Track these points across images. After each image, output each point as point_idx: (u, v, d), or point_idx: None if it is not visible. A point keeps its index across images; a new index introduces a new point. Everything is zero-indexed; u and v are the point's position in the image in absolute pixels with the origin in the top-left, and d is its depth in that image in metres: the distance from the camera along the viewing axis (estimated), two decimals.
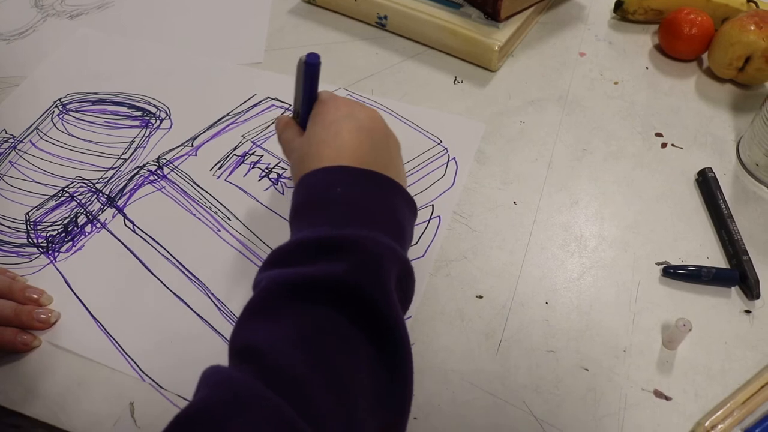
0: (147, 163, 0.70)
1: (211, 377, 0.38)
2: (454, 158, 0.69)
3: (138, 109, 0.75)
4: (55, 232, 0.64)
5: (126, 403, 0.54)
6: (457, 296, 0.60)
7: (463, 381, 0.55)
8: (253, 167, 0.69)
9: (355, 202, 0.46)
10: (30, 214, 0.66)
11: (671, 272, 0.61)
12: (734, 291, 0.60)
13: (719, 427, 0.52)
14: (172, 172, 0.68)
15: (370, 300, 0.41)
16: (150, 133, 0.72)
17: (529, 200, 0.67)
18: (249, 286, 0.59)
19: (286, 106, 0.75)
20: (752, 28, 0.73)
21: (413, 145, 0.70)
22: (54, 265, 0.61)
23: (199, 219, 0.64)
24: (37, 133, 0.73)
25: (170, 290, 0.59)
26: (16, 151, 0.71)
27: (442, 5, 0.80)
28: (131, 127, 0.73)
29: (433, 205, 0.65)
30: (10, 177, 0.69)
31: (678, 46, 0.79)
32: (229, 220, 0.64)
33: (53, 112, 0.75)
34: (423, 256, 0.61)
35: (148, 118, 0.74)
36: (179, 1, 0.90)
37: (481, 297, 0.60)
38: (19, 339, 0.56)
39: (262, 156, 0.70)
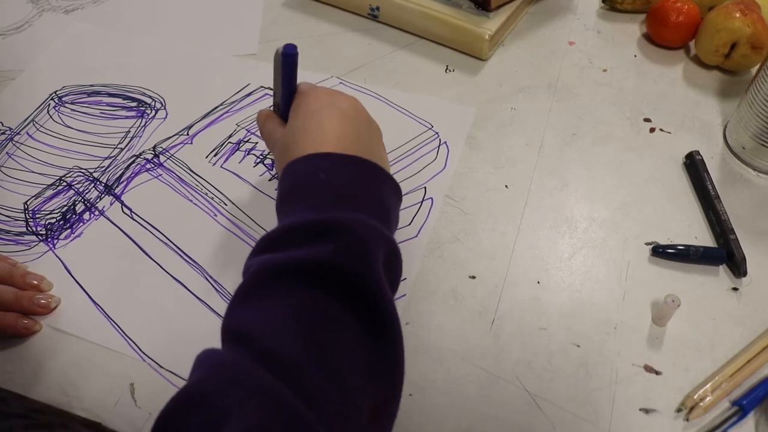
0: (143, 151, 0.70)
1: (205, 359, 0.39)
2: (446, 142, 0.70)
3: (133, 100, 0.76)
4: (54, 220, 0.65)
5: (126, 384, 0.55)
6: (450, 277, 0.61)
7: (457, 358, 0.56)
8: (248, 154, 0.70)
9: (340, 186, 0.47)
10: (28, 203, 0.66)
11: (660, 251, 0.62)
12: (722, 269, 0.62)
13: (708, 399, 0.53)
14: (168, 160, 0.69)
15: (359, 280, 0.41)
16: (146, 122, 0.73)
17: (521, 184, 0.68)
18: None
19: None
20: (737, 15, 0.74)
21: (405, 131, 0.71)
22: (53, 252, 0.62)
23: (196, 204, 0.65)
24: (34, 125, 0.74)
25: (168, 273, 0.60)
26: (13, 142, 0.72)
27: None
28: (127, 117, 0.74)
29: (425, 188, 0.66)
30: (7, 168, 0.70)
31: (665, 33, 0.81)
32: (225, 205, 0.65)
33: (49, 104, 0.76)
34: (417, 236, 0.63)
35: (143, 108, 0.75)
36: None
37: (474, 277, 0.61)
38: (21, 324, 0.56)
39: (256, 143, 0.71)
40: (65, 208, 0.66)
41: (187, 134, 0.72)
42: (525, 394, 0.54)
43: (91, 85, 0.78)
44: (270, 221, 0.64)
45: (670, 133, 0.73)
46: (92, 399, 0.54)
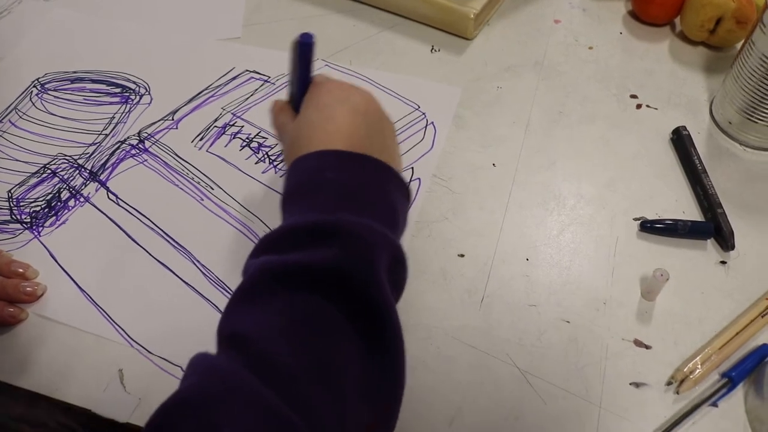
0: (128, 137, 0.70)
1: (198, 365, 0.38)
2: (432, 122, 0.70)
3: (117, 86, 0.75)
4: (39, 208, 0.64)
5: (115, 370, 0.54)
6: (439, 255, 0.61)
7: (447, 337, 0.56)
8: (233, 137, 0.69)
9: (346, 186, 0.45)
10: (12, 191, 0.66)
11: (648, 227, 0.62)
12: (710, 243, 0.62)
13: (697, 371, 0.53)
14: (153, 146, 0.69)
15: (361, 287, 0.40)
16: (130, 108, 0.73)
17: (508, 162, 0.68)
18: (232, 251, 0.60)
19: (265, 77, 0.75)
20: None
21: (392, 112, 0.69)
22: (38, 239, 0.62)
23: (182, 189, 0.65)
24: (17, 112, 0.73)
25: (155, 258, 0.60)
26: None
27: None
28: (111, 103, 0.73)
29: (413, 168, 0.66)
30: None
31: (651, 10, 0.80)
32: (212, 189, 0.65)
33: (32, 91, 0.75)
34: None
35: (127, 94, 0.74)
36: None
37: (462, 255, 0.61)
38: (6, 312, 0.56)
39: (242, 127, 0.70)
40: (50, 195, 0.65)
41: (172, 119, 0.71)
42: (515, 370, 0.54)
43: (74, 72, 0.77)
44: (257, 204, 0.64)
45: (656, 109, 0.73)
46: (80, 386, 0.54)
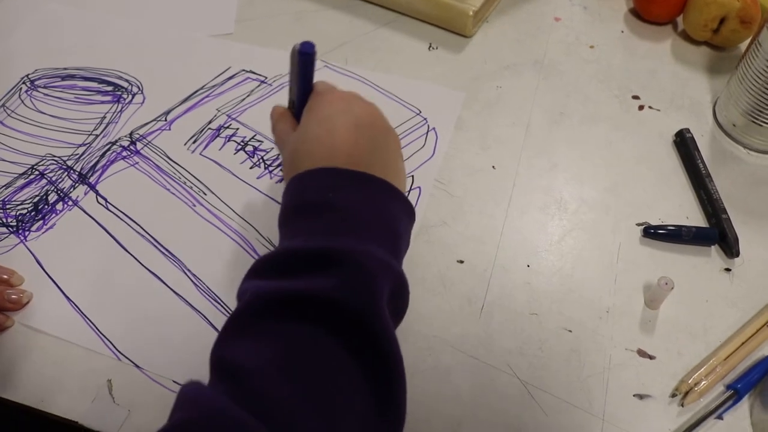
0: (119, 138, 0.68)
1: (191, 398, 0.36)
2: (434, 128, 0.68)
3: (109, 84, 0.73)
4: (25, 211, 0.62)
5: (103, 381, 0.53)
6: (438, 262, 0.59)
7: (447, 346, 0.55)
8: (228, 140, 0.67)
9: (348, 209, 0.43)
10: None
11: (651, 232, 0.61)
12: (714, 249, 0.60)
13: (702, 383, 0.52)
14: (145, 148, 0.67)
15: (360, 318, 0.38)
16: (122, 108, 0.71)
17: (508, 164, 0.66)
18: (225, 261, 0.59)
19: (262, 78, 0.73)
20: None
21: (392, 116, 0.67)
22: (24, 244, 0.60)
23: (174, 194, 0.63)
24: (5, 110, 0.71)
25: (145, 267, 0.58)
26: None
27: None
28: (102, 102, 0.71)
29: (413, 176, 0.64)
30: None
31: (653, 8, 0.79)
32: (205, 194, 0.63)
33: (21, 88, 0.73)
34: None
35: (119, 93, 0.72)
36: None
37: (462, 262, 0.60)
38: None
39: (237, 129, 0.68)
40: (37, 198, 0.63)
41: (165, 120, 0.69)
42: (517, 382, 0.53)
43: (65, 68, 0.75)
44: (252, 211, 0.62)
45: (659, 110, 0.71)
46: (67, 397, 0.52)
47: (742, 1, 0.71)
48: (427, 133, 0.68)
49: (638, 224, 0.62)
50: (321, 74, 0.73)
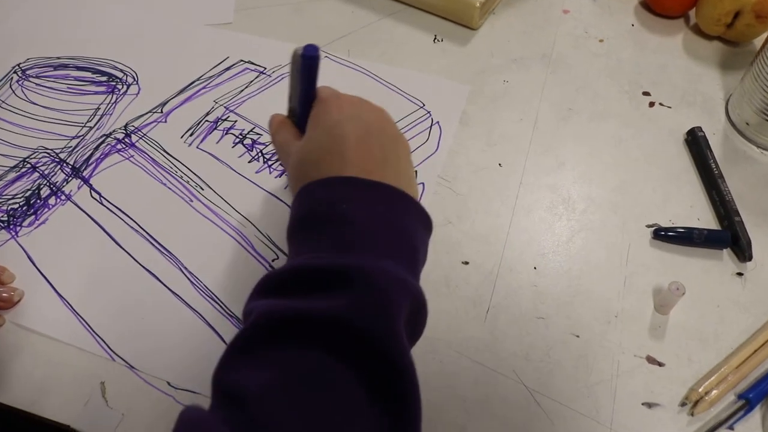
0: (114, 131, 0.66)
1: (190, 425, 0.34)
2: (438, 122, 0.66)
3: (103, 74, 0.71)
4: (17, 206, 0.60)
5: (97, 383, 0.51)
6: (442, 263, 0.58)
7: (451, 350, 0.53)
8: (226, 133, 0.65)
9: (362, 222, 0.40)
10: None
11: (662, 234, 0.59)
12: (726, 253, 0.59)
13: (713, 392, 0.51)
14: (140, 140, 0.65)
15: (376, 343, 0.36)
16: (116, 99, 0.68)
17: (515, 162, 0.65)
18: (223, 259, 0.57)
19: (261, 69, 0.71)
20: None
21: (394, 109, 0.65)
22: (16, 240, 0.58)
23: (170, 189, 0.61)
24: None
25: (140, 264, 0.56)
26: None
27: None
28: (96, 93, 0.69)
29: (416, 172, 0.62)
30: None
31: (665, 1, 0.77)
32: (202, 189, 0.61)
33: (12, 78, 0.70)
34: None
35: (114, 83, 0.70)
36: None
37: (467, 263, 0.58)
38: None
39: (235, 122, 0.66)
40: (29, 192, 0.61)
41: (161, 112, 0.67)
42: (522, 388, 0.52)
43: (58, 58, 0.73)
44: (250, 208, 0.60)
45: (670, 107, 0.69)
46: (59, 400, 0.51)
47: None
48: (430, 127, 0.66)
49: (648, 226, 0.60)
50: (321, 65, 0.71)
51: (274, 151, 0.64)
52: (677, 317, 0.55)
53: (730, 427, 0.50)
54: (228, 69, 0.71)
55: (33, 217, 0.59)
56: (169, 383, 0.51)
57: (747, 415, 0.50)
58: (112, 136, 0.65)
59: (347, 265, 0.38)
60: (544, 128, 0.67)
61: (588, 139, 0.66)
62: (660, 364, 0.53)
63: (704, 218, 0.61)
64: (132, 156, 0.63)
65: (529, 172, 0.64)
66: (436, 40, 0.76)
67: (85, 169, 0.63)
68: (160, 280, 0.55)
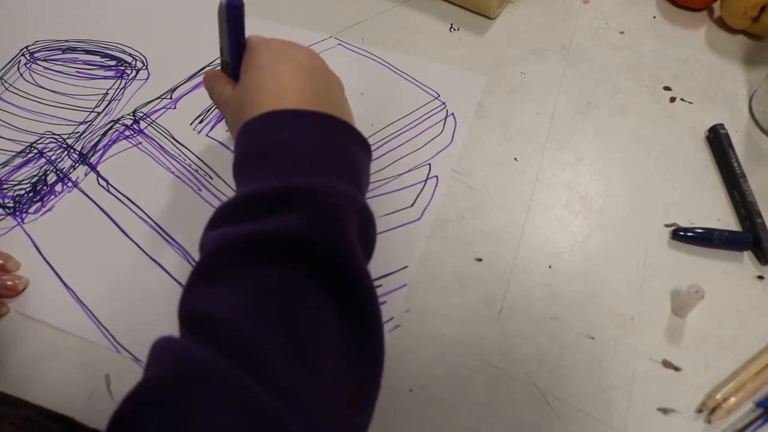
0: (122, 116, 0.65)
1: (164, 350, 0.34)
2: (453, 114, 0.65)
3: (112, 58, 0.70)
4: (23, 192, 0.59)
5: (101, 375, 0.51)
6: (455, 259, 0.56)
7: (462, 350, 0.52)
8: None
9: (304, 147, 0.42)
10: None
11: (681, 235, 0.57)
12: (746, 255, 0.57)
13: (731, 400, 0.49)
14: (149, 127, 0.64)
15: (331, 254, 0.37)
16: (125, 84, 0.67)
17: (531, 157, 0.63)
18: None
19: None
20: None
21: (408, 100, 0.65)
22: (21, 227, 0.57)
23: (179, 177, 0.60)
24: (2, 83, 0.68)
25: (147, 255, 0.55)
26: None
27: None
28: (105, 77, 0.68)
29: (430, 164, 0.61)
30: None
31: None
32: (211, 178, 0.60)
33: (20, 60, 0.69)
34: (419, 219, 0.58)
35: (123, 68, 0.69)
36: None
37: (480, 260, 0.57)
38: None
39: None
40: (35, 178, 0.60)
41: (171, 98, 0.66)
42: (535, 391, 0.50)
43: (66, 41, 0.71)
44: None
45: (691, 103, 0.67)
46: (64, 391, 0.50)
47: None
48: (445, 118, 0.65)
49: (667, 225, 0.59)
50: (335, 52, 0.70)
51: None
52: (695, 321, 0.54)
53: None
54: None
55: (39, 203, 0.59)
56: None
57: (766, 424, 0.49)
58: (121, 122, 0.64)
59: (295, 186, 0.39)
60: (562, 122, 0.66)
61: (606, 134, 0.65)
62: (676, 369, 0.51)
63: (725, 219, 0.59)
64: (140, 143, 0.62)
65: (545, 168, 0.62)
66: (452, 29, 0.74)
67: (92, 155, 0.62)
68: (167, 271, 0.55)
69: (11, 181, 0.60)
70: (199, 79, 0.67)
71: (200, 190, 0.59)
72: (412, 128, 0.63)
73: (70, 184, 0.60)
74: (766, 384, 0.51)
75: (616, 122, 0.66)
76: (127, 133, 0.63)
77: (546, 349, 0.52)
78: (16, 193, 0.59)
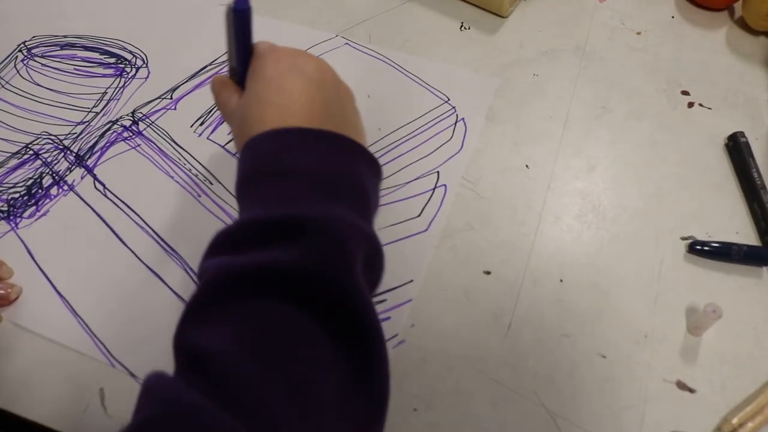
0: (120, 117, 0.63)
1: (155, 391, 0.33)
2: (463, 119, 0.62)
3: (111, 55, 0.68)
4: (18, 195, 0.58)
5: (96, 389, 0.49)
6: (462, 272, 0.55)
7: (469, 368, 0.50)
8: None
9: (309, 170, 0.40)
10: None
11: (698, 249, 0.55)
12: (766, 271, 0.55)
13: (749, 425, 0.47)
14: (148, 128, 0.62)
15: (336, 290, 0.35)
16: (124, 83, 0.65)
17: (543, 163, 0.61)
18: None
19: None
20: None
21: (417, 103, 0.63)
22: (15, 232, 0.56)
23: (178, 182, 0.58)
24: None
25: (144, 264, 0.54)
26: None
27: None
28: (104, 75, 0.66)
29: (438, 172, 0.59)
30: None
31: None
32: (212, 184, 0.58)
33: (17, 57, 0.68)
34: (426, 230, 0.56)
35: (122, 65, 0.67)
36: None
37: (489, 273, 0.55)
38: None
39: None
40: (31, 180, 0.59)
41: (171, 98, 0.64)
42: (543, 411, 0.49)
43: (65, 36, 0.69)
44: None
45: (710, 109, 0.65)
46: (57, 406, 0.49)
47: None
48: (455, 123, 0.62)
49: (683, 238, 0.56)
50: (341, 51, 0.68)
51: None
52: (711, 339, 0.52)
53: None
54: None
55: (34, 207, 0.57)
56: None
57: None
58: (119, 123, 0.62)
59: (297, 215, 0.37)
60: (576, 127, 0.63)
61: (622, 140, 0.62)
62: (691, 391, 0.50)
63: (744, 232, 0.57)
64: (139, 145, 0.60)
65: (557, 176, 0.60)
66: (462, 28, 0.71)
67: (89, 157, 0.60)
68: (164, 282, 0.53)
69: (6, 183, 0.58)
70: (201, 78, 0.65)
71: (200, 196, 0.57)
72: (420, 133, 0.61)
73: (65, 187, 0.58)
74: None
75: (632, 128, 0.63)
76: (125, 134, 0.61)
77: (555, 367, 0.50)
78: (11, 195, 0.58)
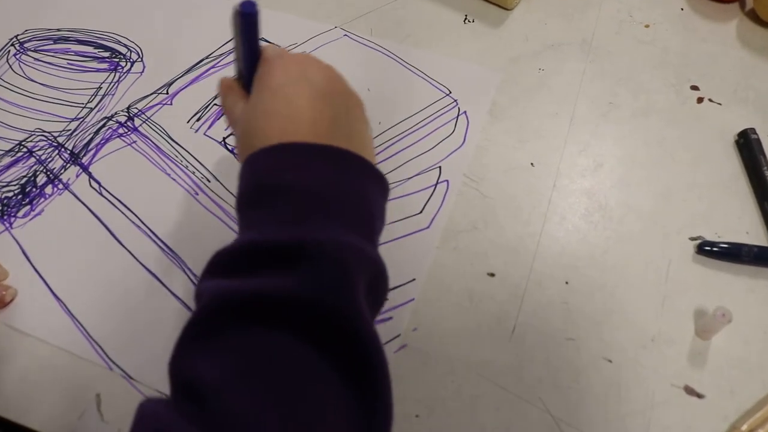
0: (116, 113, 0.62)
1: (148, 422, 0.32)
2: (465, 112, 0.61)
3: (106, 49, 0.66)
4: (11, 194, 0.56)
5: (92, 395, 0.48)
6: (465, 273, 0.53)
7: (471, 372, 0.49)
8: None
9: (311, 189, 0.38)
10: None
11: (707, 250, 0.54)
12: None
13: (759, 431, 0.46)
14: (143, 124, 0.60)
15: (335, 318, 0.34)
16: (119, 77, 0.64)
17: (548, 161, 0.59)
18: None
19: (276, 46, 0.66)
20: None
21: (418, 96, 0.62)
22: (9, 232, 0.55)
23: (174, 180, 0.57)
24: None
25: (141, 264, 0.53)
26: None
27: None
28: (98, 70, 0.65)
29: (440, 168, 0.57)
30: None
31: None
32: (209, 181, 0.57)
33: (9, 51, 0.66)
34: (428, 227, 0.54)
35: (117, 60, 0.65)
36: None
37: (492, 275, 0.53)
38: None
39: None
40: (25, 179, 0.57)
41: (167, 93, 0.63)
42: (548, 418, 0.48)
43: (58, 30, 0.68)
44: None
45: (720, 104, 0.63)
46: (52, 411, 0.48)
47: None
48: (457, 117, 0.61)
49: (692, 238, 0.55)
50: (341, 44, 0.66)
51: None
52: (719, 343, 0.51)
53: None
54: None
55: (28, 207, 0.56)
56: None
57: None
58: (114, 118, 0.61)
59: (296, 239, 0.35)
60: (582, 124, 0.62)
61: (629, 137, 0.61)
62: (699, 396, 0.48)
63: (754, 232, 0.56)
64: (134, 142, 0.59)
65: (563, 174, 0.59)
66: (466, 21, 0.70)
67: (84, 155, 0.59)
68: (162, 283, 0.52)
69: (0, 182, 0.57)
70: (197, 72, 0.64)
71: (197, 194, 0.56)
72: (421, 128, 0.60)
73: (60, 185, 0.57)
74: None
75: (640, 124, 0.62)
76: (120, 131, 0.60)
77: (560, 371, 0.49)
78: (4, 195, 0.56)
